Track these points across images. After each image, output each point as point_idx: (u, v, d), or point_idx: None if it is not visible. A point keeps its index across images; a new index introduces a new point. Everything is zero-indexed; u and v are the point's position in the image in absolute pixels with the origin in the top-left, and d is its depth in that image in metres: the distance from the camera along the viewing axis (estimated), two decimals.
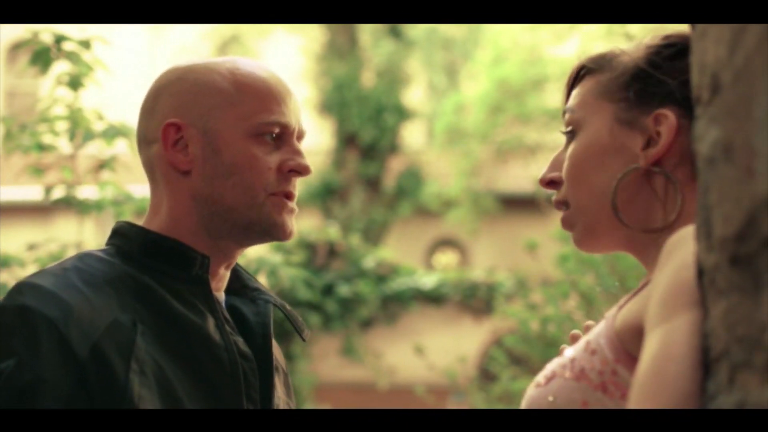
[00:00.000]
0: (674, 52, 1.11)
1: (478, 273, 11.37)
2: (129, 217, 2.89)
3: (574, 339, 1.24)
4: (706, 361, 0.78)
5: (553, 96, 11.63)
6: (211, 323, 1.23)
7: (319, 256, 10.78)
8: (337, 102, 12.51)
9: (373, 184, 12.58)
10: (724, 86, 0.74)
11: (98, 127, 2.88)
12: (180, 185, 1.28)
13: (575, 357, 1.05)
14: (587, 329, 1.23)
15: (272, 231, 1.28)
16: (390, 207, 12.61)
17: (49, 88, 2.91)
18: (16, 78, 14.24)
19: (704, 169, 0.79)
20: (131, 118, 2.92)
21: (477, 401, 5.13)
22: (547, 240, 4.13)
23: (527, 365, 4.42)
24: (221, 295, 1.32)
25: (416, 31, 13.15)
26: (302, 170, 1.29)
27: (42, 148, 2.90)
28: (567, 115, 1.17)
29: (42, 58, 2.77)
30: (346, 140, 12.62)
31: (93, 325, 1.14)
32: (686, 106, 1.06)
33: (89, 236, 3.40)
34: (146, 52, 14.91)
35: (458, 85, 14.16)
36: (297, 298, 8.05)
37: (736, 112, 0.72)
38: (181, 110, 1.27)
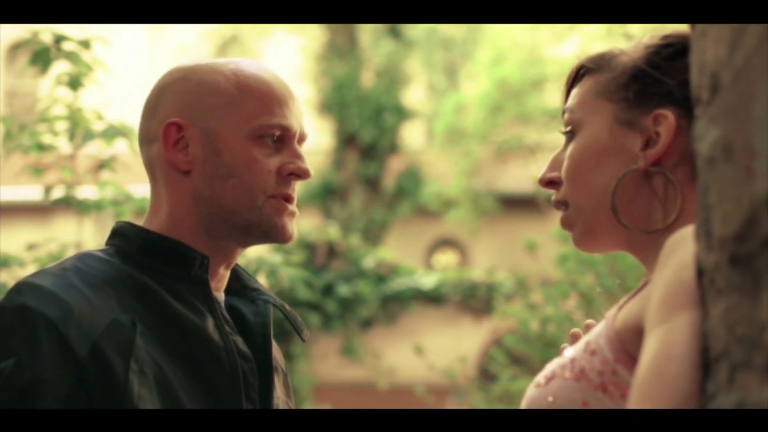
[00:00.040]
0: (673, 52, 1.11)
1: (477, 273, 11.38)
2: (128, 217, 2.90)
3: (574, 338, 1.24)
4: (705, 361, 0.78)
5: (553, 96, 11.64)
6: (210, 323, 1.23)
7: (318, 256, 10.78)
8: (337, 102, 12.51)
9: (372, 184, 12.58)
10: (724, 86, 0.74)
11: (98, 127, 2.88)
12: (180, 185, 1.27)
13: (575, 357, 1.05)
14: (587, 328, 1.23)
15: (272, 233, 1.28)
16: (390, 207, 12.61)
17: (48, 88, 2.90)
18: (16, 78, 14.24)
19: (704, 169, 0.79)
20: (131, 118, 2.93)
21: (477, 401, 5.13)
22: (547, 240, 4.13)
23: (527, 365, 4.42)
24: (221, 295, 1.32)
25: (416, 31, 13.15)
26: (302, 174, 1.29)
27: (42, 148, 2.90)
28: (566, 115, 1.17)
29: (42, 58, 2.77)
30: (346, 140, 12.62)
31: (93, 325, 1.14)
32: (685, 107, 1.06)
33: (89, 236, 3.40)
34: (146, 52, 14.91)
35: (458, 85, 14.16)
36: (297, 298, 8.05)
37: (736, 112, 0.72)
38: (183, 110, 1.27)
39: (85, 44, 2.80)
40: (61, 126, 2.89)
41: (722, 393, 0.73)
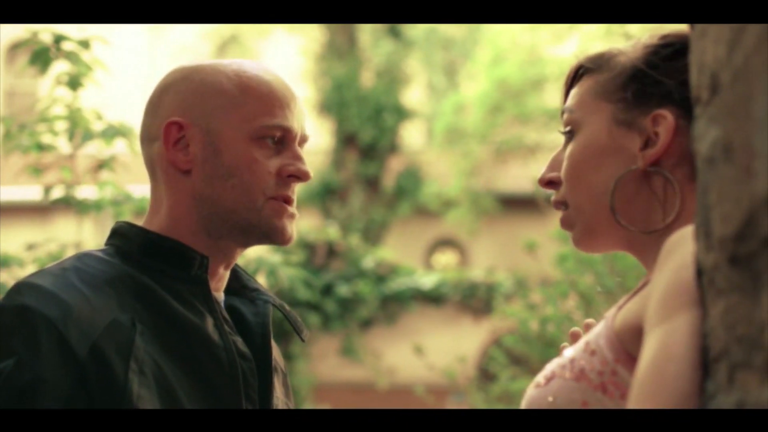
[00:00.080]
0: (672, 52, 1.11)
1: (477, 273, 11.38)
2: (128, 217, 2.90)
3: (574, 337, 1.24)
4: (705, 361, 0.78)
5: (553, 96, 11.64)
6: (210, 323, 1.23)
7: (318, 256, 10.78)
8: (337, 102, 12.51)
9: (372, 184, 12.59)
10: (724, 86, 0.74)
11: (97, 127, 2.88)
12: (180, 184, 1.28)
13: (575, 357, 1.05)
14: (587, 328, 1.23)
15: (271, 235, 1.28)
16: (389, 207, 12.61)
17: (48, 88, 2.90)
18: (16, 78, 14.24)
19: (703, 169, 0.79)
20: (130, 118, 2.93)
21: (476, 401, 5.13)
22: (547, 240, 4.13)
23: (526, 365, 4.42)
24: (220, 296, 1.32)
25: (415, 31, 13.16)
26: (302, 176, 1.29)
27: (41, 148, 2.90)
28: (565, 115, 1.17)
29: (41, 57, 2.77)
30: (346, 140, 12.62)
31: (92, 325, 1.14)
32: (684, 107, 1.06)
33: (88, 236, 3.40)
34: (146, 52, 14.91)
35: (457, 85, 14.17)
36: (296, 298, 8.05)
37: (736, 111, 0.72)
38: (185, 109, 1.27)
39: (85, 44, 2.80)
40: (61, 126, 2.89)
41: (722, 393, 0.73)
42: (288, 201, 1.29)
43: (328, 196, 12.35)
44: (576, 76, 1.19)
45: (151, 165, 1.31)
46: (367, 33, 12.97)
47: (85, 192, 3.06)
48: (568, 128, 1.16)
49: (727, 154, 0.73)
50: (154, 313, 1.20)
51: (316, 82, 12.80)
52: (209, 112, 1.27)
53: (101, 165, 3.00)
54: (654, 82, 1.10)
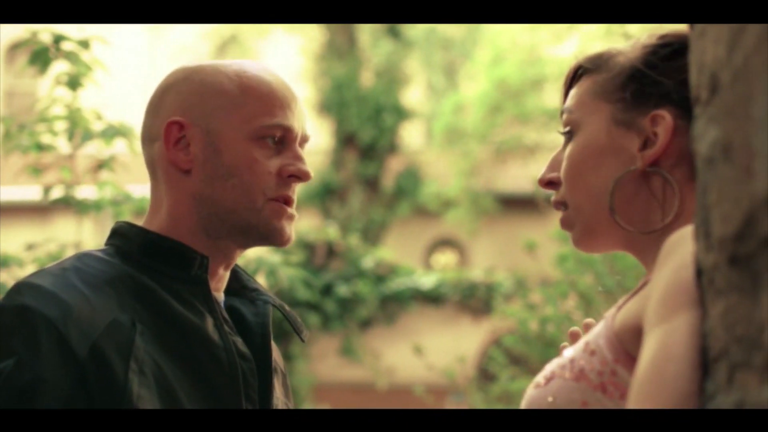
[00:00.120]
0: (670, 52, 1.11)
1: (477, 273, 11.38)
2: (128, 217, 2.89)
3: (574, 337, 1.24)
4: (705, 361, 0.78)
5: (552, 96, 11.64)
6: (210, 323, 1.23)
7: (318, 256, 10.79)
8: (336, 102, 12.51)
9: (372, 184, 12.58)
10: (723, 86, 0.74)
11: (97, 127, 2.88)
12: (180, 184, 1.28)
13: (574, 357, 1.05)
14: (586, 327, 1.23)
15: (270, 236, 1.28)
16: (389, 207, 12.61)
17: (48, 88, 2.90)
18: (15, 78, 14.23)
19: (703, 169, 0.79)
20: (130, 118, 2.93)
21: (476, 401, 5.13)
22: (546, 240, 4.13)
23: (526, 365, 4.42)
24: (220, 296, 1.32)
25: (415, 31, 13.15)
26: (302, 176, 1.29)
27: (41, 148, 2.90)
28: (565, 116, 1.17)
29: (41, 57, 2.77)
30: (345, 140, 12.62)
31: (92, 325, 1.14)
32: (683, 107, 1.06)
33: (88, 236, 3.40)
34: (145, 52, 14.91)
35: (457, 85, 14.16)
36: (296, 298, 8.05)
37: (735, 111, 0.72)
38: (186, 109, 1.27)
39: (85, 44, 2.80)
40: (61, 126, 2.89)
41: (721, 393, 0.73)
42: (288, 201, 1.29)
43: (327, 196, 12.35)
44: (575, 76, 1.19)
45: (151, 165, 1.31)
46: (366, 33, 12.97)
47: (85, 192, 3.06)
48: (567, 128, 1.16)
49: (727, 154, 0.73)
50: (154, 313, 1.20)
51: (315, 82, 12.80)
52: (210, 112, 1.27)
53: (101, 165, 3.00)
54: (652, 82, 1.10)
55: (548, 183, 1.19)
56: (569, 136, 1.16)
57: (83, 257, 1.24)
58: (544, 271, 4.46)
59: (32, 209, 10.69)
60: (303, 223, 10.46)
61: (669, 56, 1.11)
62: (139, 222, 1.32)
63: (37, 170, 3.04)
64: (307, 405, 9.36)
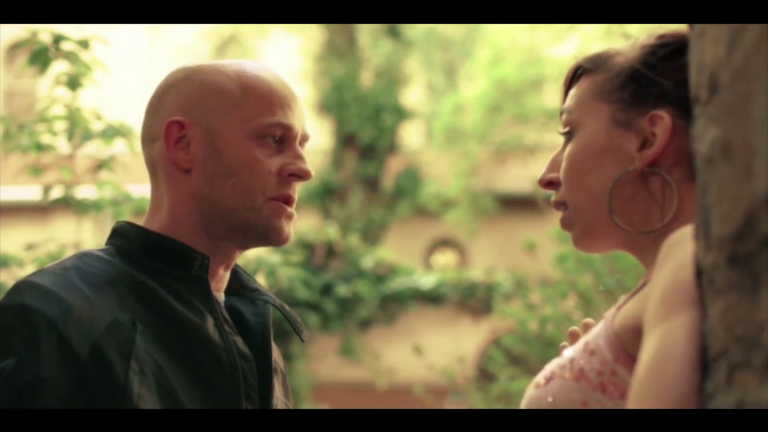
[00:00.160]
0: (669, 52, 1.11)
1: (476, 273, 11.38)
2: (127, 217, 2.89)
3: (573, 336, 1.24)
4: (704, 361, 0.78)
5: (552, 96, 11.64)
6: (210, 323, 1.23)
7: (317, 256, 10.79)
8: (336, 102, 12.51)
9: (371, 184, 12.58)
10: (723, 86, 0.74)
11: (97, 127, 2.88)
12: (180, 184, 1.28)
13: (574, 357, 1.05)
14: (586, 327, 1.23)
15: (269, 235, 1.28)
16: (389, 207, 12.61)
17: (47, 88, 2.90)
18: (15, 78, 14.23)
19: (703, 169, 0.79)
20: (130, 118, 2.93)
21: (475, 401, 5.13)
22: (546, 240, 4.13)
23: (526, 365, 4.42)
24: (221, 296, 1.32)
25: (415, 31, 13.15)
26: (303, 175, 1.29)
27: (40, 147, 2.90)
28: (564, 116, 1.17)
29: (40, 57, 2.77)
30: (345, 140, 12.62)
31: (93, 325, 1.14)
32: (682, 107, 1.06)
33: (87, 236, 3.40)
34: (145, 52, 14.91)
35: (457, 85, 14.16)
36: (295, 298, 8.05)
37: (735, 111, 0.72)
38: (186, 109, 1.27)
39: (84, 44, 2.80)
40: (60, 126, 2.89)
41: (721, 393, 0.73)
42: (289, 200, 1.29)
43: (327, 196, 12.35)
44: (575, 76, 1.19)
45: (151, 165, 1.31)
46: (366, 33, 12.97)
47: (85, 192, 3.06)
48: (566, 129, 1.16)
49: (727, 154, 0.73)
50: (155, 312, 1.20)
51: (315, 82, 12.80)
52: (210, 112, 1.27)
53: (100, 165, 3.00)
54: (651, 82, 1.10)
55: (548, 183, 1.19)
56: (569, 136, 1.16)
57: (84, 257, 1.24)
58: (544, 271, 4.46)
59: (32, 209, 10.69)
60: (302, 223, 10.46)
61: (667, 56, 1.11)
62: (139, 222, 1.32)
63: (36, 170, 3.04)
64: (307, 405, 9.36)
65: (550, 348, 3.83)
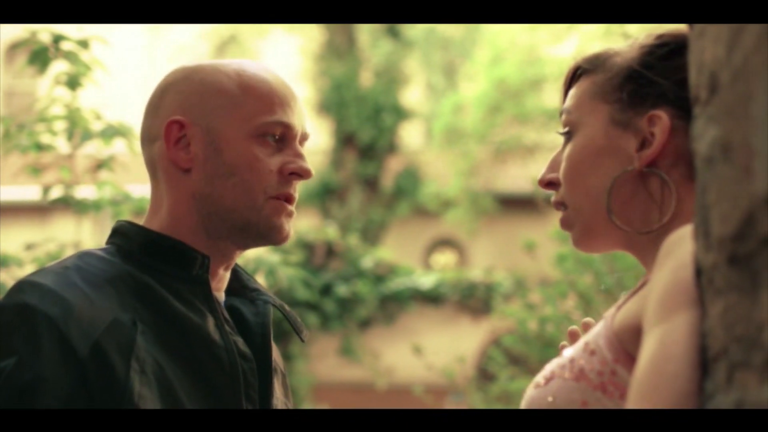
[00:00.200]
0: (667, 52, 1.11)
1: (476, 273, 11.38)
2: (127, 217, 2.89)
3: (573, 336, 1.24)
4: (704, 361, 0.78)
5: (552, 96, 11.64)
6: (210, 323, 1.24)
7: (317, 256, 10.78)
8: (336, 102, 12.51)
9: (371, 184, 12.58)
10: (723, 86, 0.74)
11: (96, 126, 2.88)
12: (181, 183, 1.28)
13: (574, 357, 1.05)
14: (586, 327, 1.23)
15: (269, 234, 1.28)
16: (388, 207, 12.61)
17: (47, 88, 2.90)
18: (14, 78, 14.23)
19: (702, 169, 0.79)
20: (129, 118, 2.93)
21: (475, 401, 5.13)
22: (546, 240, 4.13)
23: (525, 365, 4.42)
24: (221, 296, 1.32)
25: (414, 31, 13.15)
26: (303, 173, 1.29)
27: (40, 147, 2.90)
28: (564, 116, 1.17)
29: (40, 57, 2.77)
30: (345, 140, 12.62)
31: (93, 324, 1.14)
32: (680, 107, 1.06)
33: (87, 236, 3.40)
34: (145, 52, 14.90)
35: (456, 85, 14.16)
36: (295, 298, 8.05)
37: (735, 111, 0.72)
38: (186, 108, 1.28)
39: (84, 44, 2.80)
40: (60, 126, 2.89)
41: (721, 392, 0.73)
42: (290, 199, 1.29)
43: (327, 195, 12.35)
44: (574, 76, 1.19)
45: (151, 165, 1.31)
46: (365, 33, 12.96)
47: (84, 192, 3.06)
48: (566, 129, 1.17)
49: (726, 154, 0.73)
50: (155, 312, 1.20)
51: (314, 82, 12.79)
52: (210, 112, 1.27)
53: (100, 165, 3.00)
54: (649, 82, 1.10)
55: (548, 183, 1.19)
56: (568, 136, 1.16)
57: (84, 256, 1.24)
58: (544, 271, 4.46)
59: (31, 209, 10.69)
60: (302, 223, 10.46)
61: (666, 56, 1.11)
62: (139, 222, 1.32)
63: (36, 170, 3.04)
64: (307, 405, 9.36)
65: (549, 348, 3.83)
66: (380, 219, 12.45)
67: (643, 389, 0.80)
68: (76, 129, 2.85)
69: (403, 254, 12.57)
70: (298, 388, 9.30)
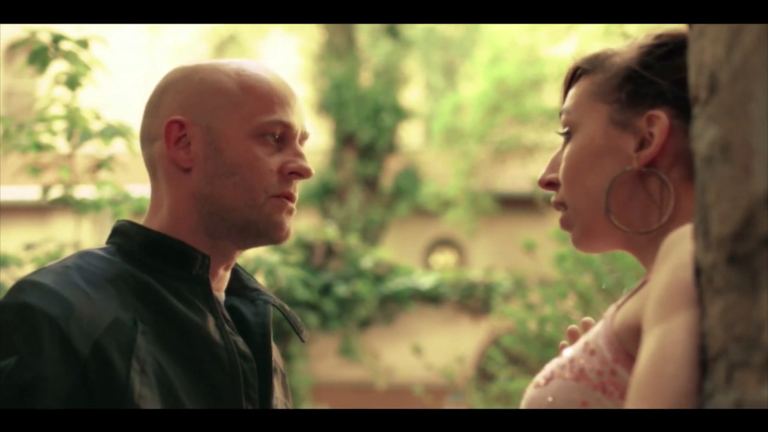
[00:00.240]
0: (666, 52, 1.11)
1: (475, 273, 11.37)
2: (127, 217, 2.89)
3: (572, 335, 1.24)
4: (703, 361, 0.78)
5: (551, 96, 11.64)
6: (211, 323, 1.24)
7: (316, 256, 10.78)
8: (335, 102, 12.51)
9: (370, 184, 12.58)
10: (722, 85, 0.74)
11: (96, 126, 2.88)
12: (181, 183, 1.28)
13: (574, 357, 1.06)
14: (585, 326, 1.23)
15: (269, 232, 1.28)
16: (388, 207, 12.61)
17: (46, 88, 2.90)
18: (14, 77, 14.23)
19: (702, 168, 0.79)
20: (129, 118, 2.93)
21: (475, 401, 5.13)
22: (545, 240, 4.13)
23: (525, 365, 4.42)
24: (221, 296, 1.32)
25: (414, 31, 13.15)
26: (303, 173, 1.29)
27: (39, 147, 2.90)
28: (563, 116, 1.17)
29: (40, 57, 2.77)
30: (344, 140, 12.62)
31: (94, 324, 1.14)
32: (679, 107, 1.06)
33: (87, 236, 3.40)
34: (145, 52, 14.90)
35: (456, 85, 14.16)
36: (295, 298, 8.05)
37: (734, 111, 0.72)
38: (186, 108, 1.28)
39: (83, 44, 2.80)
40: (59, 126, 2.89)
41: (720, 392, 0.74)
42: (290, 198, 1.29)
43: (326, 195, 12.35)
44: (574, 77, 1.19)
45: (151, 165, 1.31)
46: (365, 33, 12.96)
47: (84, 192, 3.06)
48: (565, 129, 1.17)
49: (726, 154, 0.73)
50: (156, 312, 1.20)
51: (314, 82, 12.79)
52: (210, 111, 1.27)
53: (100, 165, 3.00)
54: (648, 82, 1.10)
55: (548, 184, 1.19)
56: (568, 136, 1.16)
57: (85, 255, 1.24)
58: (543, 271, 4.46)
59: (31, 209, 10.68)
60: (302, 223, 10.46)
61: (664, 56, 1.11)
62: (139, 222, 1.32)
63: (35, 170, 3.04)
64: (306, 405, 9.36)
65: (549, 348, 3.83)
66: (380, 219, 12.45)
67: (643, 389, 0.80)
68: (76, 129, 2.85)
69: (402, 254, 12.57)
70: (298, 388, 9.30)
